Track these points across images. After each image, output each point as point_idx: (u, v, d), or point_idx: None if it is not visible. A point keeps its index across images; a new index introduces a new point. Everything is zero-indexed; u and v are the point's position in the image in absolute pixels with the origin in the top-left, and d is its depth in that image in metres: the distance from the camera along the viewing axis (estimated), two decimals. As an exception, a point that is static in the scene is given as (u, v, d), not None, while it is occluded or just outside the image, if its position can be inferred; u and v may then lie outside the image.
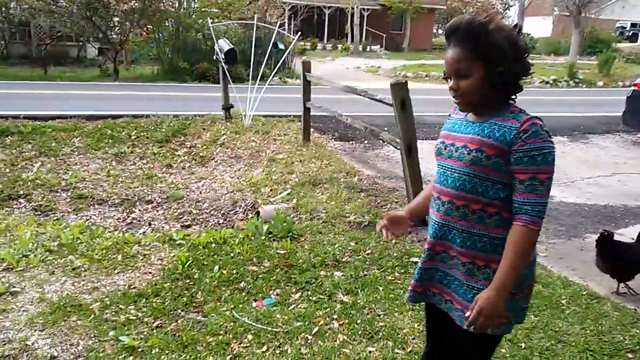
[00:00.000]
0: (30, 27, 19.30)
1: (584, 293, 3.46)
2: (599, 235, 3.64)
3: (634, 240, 3.67)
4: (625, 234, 4.49)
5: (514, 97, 1.75)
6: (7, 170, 6.54)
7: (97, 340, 2.89)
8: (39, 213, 5.33)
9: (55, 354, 2.76)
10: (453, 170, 1.75)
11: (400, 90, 4.68)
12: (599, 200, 5.91)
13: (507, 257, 1.65)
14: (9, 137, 7.69)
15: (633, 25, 40.91)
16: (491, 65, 1.66)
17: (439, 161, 1.82)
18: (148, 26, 18.53)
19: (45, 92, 12.03)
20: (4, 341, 2.82)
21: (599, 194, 6.16)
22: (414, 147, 4.73)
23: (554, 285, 3.54)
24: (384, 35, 32.64)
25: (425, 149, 7.85)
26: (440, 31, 45.07)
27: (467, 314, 1.68)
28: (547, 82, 20.17)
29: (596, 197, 6.04)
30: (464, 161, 1.72)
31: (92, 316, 3.11)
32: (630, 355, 2.86)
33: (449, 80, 1.75)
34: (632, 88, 9.17)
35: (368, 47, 31.35)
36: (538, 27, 42.17)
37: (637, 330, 3.05)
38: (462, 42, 1.68)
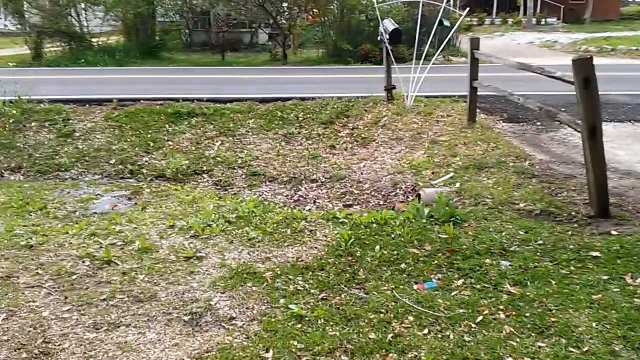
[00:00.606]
0: (209, 16, 21.22)
1: None
2: None
3: None
4: None
5: None
6: (193, 148, 7.34)
7: (269, 306, 3.13)
8: (219, 187, 5.91)
9: (234, 315, 3.05)
10: None
11: (583, 67, 4.27)
12: None
13: None
14: (195, 118, 8.60)
15: None
16: None
17: None
18: (314, 10, 19.24)
19: (223, 77, 13.20)
20: (192, 300, 3.20)
21: None
22: (598, 129, 4.28)
23: None
24: (562, 6, 29.69)
25: (610, 132, 7.07)
26: (630, -2, 39.70)
27: None
28: None
29: None
30: None
31: (265, 284, 3.37)
32: None
33: None
34: None
35: (542, 20, 28.85)
36: None
37: None
38: None
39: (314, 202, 5.60)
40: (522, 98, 6.17)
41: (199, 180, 6.08)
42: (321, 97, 9.57)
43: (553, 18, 29.38)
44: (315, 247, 3.96)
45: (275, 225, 4.36)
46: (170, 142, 7.57)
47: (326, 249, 3.90)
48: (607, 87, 9.93)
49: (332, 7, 18.75)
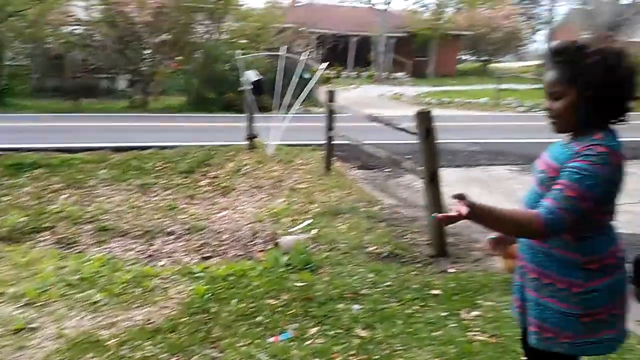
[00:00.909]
0: (64, 61, 19.99)
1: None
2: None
3: None
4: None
5: (617, 120, 1.74)
6: (34, 203, 6.69)
7: (111, 378, 2.88)
8: (62, 246, 5.41)
9: (69, 392, 2.75)
10: (531, 190, 1.86)
11: (425, 119, 4.69)
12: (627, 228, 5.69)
13: (504, 209, 1.70)
14: (38, 169, 7.91)
15: (663, 45, 40.20)
16: (582, 89, 1.67)
17: None
18: (177, 58, 19.06)
19: (76, 125, 12.39)
20: (20, 378, 2.84)
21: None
22: (437, 176, 4.70)
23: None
24: (409, 62, 32.76)
25: (449, 177, 7.75)
26: (466, 57, 44.99)
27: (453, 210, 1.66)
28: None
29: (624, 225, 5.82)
30: (536, 181, 1.83)
31: (109, 353, 3.10)
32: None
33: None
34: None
35: (393, 74, 31.50)
36: (565, 50, 41.74)
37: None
38: (559, 64, 1.72)
39: (170, 256, 5.36)
40: (372, 147, 6.60)
41: (39, 239, 5.51)
42: (182, 146, 9.38)
43: (401, 73, 32.20)
44: (168, 307, 3.76)
45: (123, 285, 4.07)
46: (7, 197, 6.84)
47: (179, 308, 3.72)
48: (445, 136, 10.99)
49: (196, 55, 18.74)
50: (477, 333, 3.28)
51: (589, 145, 1.64)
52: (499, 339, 3.18)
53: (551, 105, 1.75)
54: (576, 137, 1.73)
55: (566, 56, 1.70)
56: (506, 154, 9.64)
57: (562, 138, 1.83)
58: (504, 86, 22.22)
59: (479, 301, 3.72)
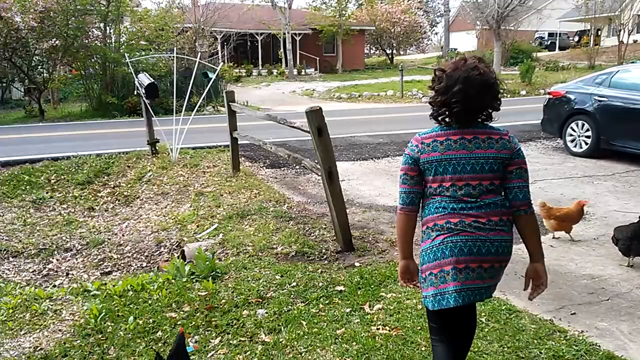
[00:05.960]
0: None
1: (503, 308, 3.46)
2: None
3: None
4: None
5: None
6: None
7: (-11, 418, 2.63)
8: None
9: None
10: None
11: (315, 118, 4.56)
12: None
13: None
14: None
15: (550, 34, 43.30)
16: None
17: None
18: (73, 64, 18.03)
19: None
20: None
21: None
22: (334, 172, 4.67)
23: (474, 302, 3.52)
24: (317, 58, 33.05)
25: (356, 170, 7.89)
26: (373, 50, 46.13)
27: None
28: (475, 94, 20.89)
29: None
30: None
31: (-13, 389, 2.83)
32: (549, 368, 2.86)
33: None
34: (548, 96, 9.49)
35: (303, 70, 31.62)
36: (464, 42, 43.89)
37: (553, 342, 3.06)
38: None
39: (67, 274, 5.02)
40: (274, 147, 6.52)
41: None
42: (77, 156, 8.84)
43: (311, 69, 32.42)
44: (60, 330, 3.51)
45: (11, 311, 3.76)
46: None
47: (72, 330, 3.48)
48: (353, 129, 11.22)
49: (93, 60, 17.79)
50: (380, 327, 3.30)
51: (503, 135, 2.19)
52: (400, 331, 3.22)
53: None
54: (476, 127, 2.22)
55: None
56: (411, 145, 9.91)
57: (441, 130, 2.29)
58: (408, 78, 22.99)
59: (382, 293, 3.76)
